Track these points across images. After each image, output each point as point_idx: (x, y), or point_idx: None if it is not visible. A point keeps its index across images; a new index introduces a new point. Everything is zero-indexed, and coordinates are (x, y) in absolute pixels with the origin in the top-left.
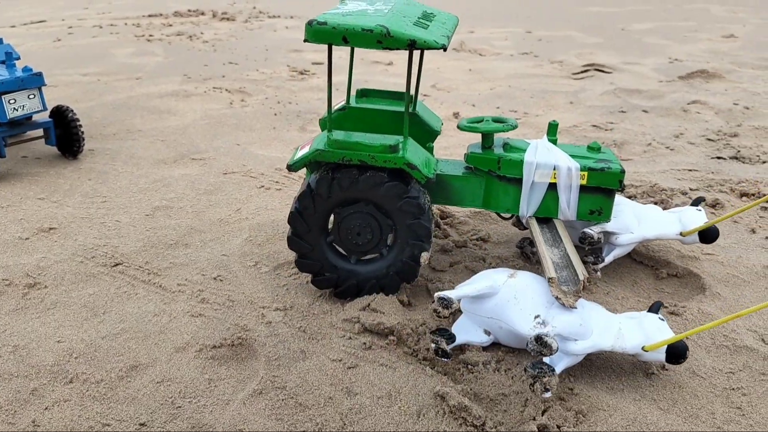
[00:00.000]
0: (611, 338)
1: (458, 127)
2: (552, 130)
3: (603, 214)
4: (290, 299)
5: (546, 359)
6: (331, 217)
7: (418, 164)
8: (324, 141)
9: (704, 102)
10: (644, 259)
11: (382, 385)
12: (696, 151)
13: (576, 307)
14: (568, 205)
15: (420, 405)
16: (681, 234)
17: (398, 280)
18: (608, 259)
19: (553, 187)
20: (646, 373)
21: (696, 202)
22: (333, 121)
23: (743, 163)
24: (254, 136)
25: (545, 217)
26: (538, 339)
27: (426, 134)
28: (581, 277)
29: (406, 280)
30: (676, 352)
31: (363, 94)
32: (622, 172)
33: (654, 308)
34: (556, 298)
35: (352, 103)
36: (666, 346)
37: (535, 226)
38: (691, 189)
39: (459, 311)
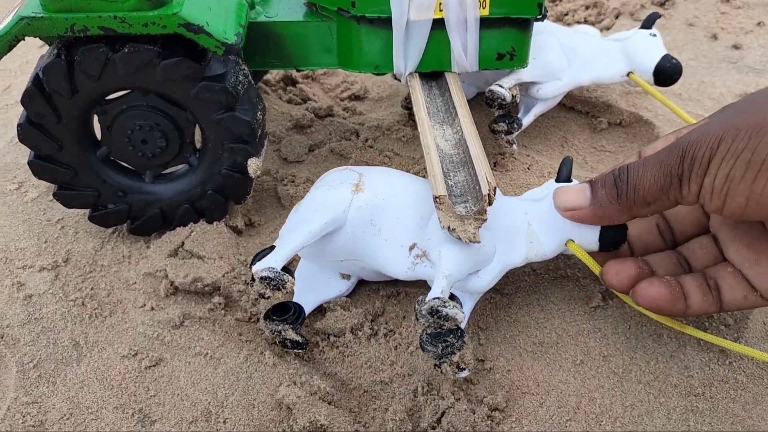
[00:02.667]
0: (523, 247)
1: None
2: None
3: (517, 56)
4: (67, 244)
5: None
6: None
7: (206, 22)
8: (36, 1)
9: None
10: (576, 104)
11: (196, 397)
12: None
13: (479, 241)
14: (464, 49)
15: (254, 426)
16: (628, 75)
17: (222, 200)
18: (527, 120)
19: (440, 25)
20: (588, 306)
21: (648, 22)
22: None
23: None
24: None
25: (433, 72)
26: (434, 312)
27: None
28: (485, 189)
29: (235, 200)
30: (614, 239)
31: None
32: None
33: (563, 174)
34: (449, 230)
35: None
36: (599, 230)
37: (417, 90)
38: None
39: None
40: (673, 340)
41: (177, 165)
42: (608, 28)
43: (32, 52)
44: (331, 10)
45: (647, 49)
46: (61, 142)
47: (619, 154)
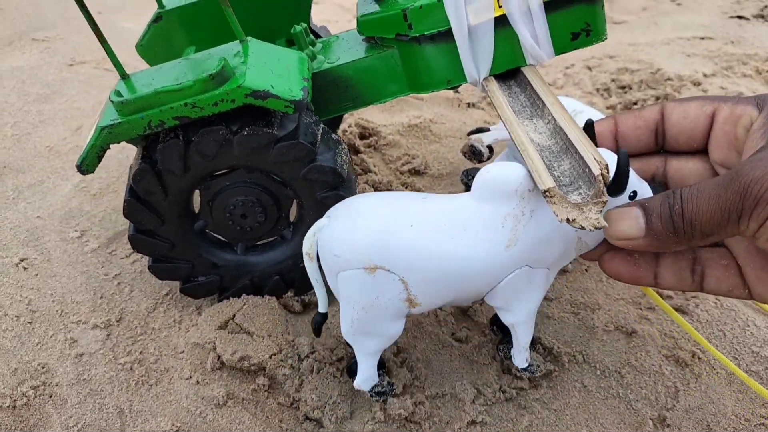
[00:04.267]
0: (572, 254)
1: None
2: None
3: (593, 30)
4: (121, 303)
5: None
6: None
7: (271, 85)
8: (110, 109)
9: None
10: None
11: None
12: (710, 5)
13: (606, 225)
14: (535, 39)
15: None
16: None
17: None
18: None
19: (503, 21)
20: None
21: None
22: (152, 43)
23: None
24: None
25: (509, 71)
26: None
27: (291, 8)
28: (596, 170)
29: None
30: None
31: None
32: None
33: (620, 184)
34: (569, 221)
35: (169, 2)
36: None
37: (497, 93)
38: (705, 75)
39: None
40: None
41: (270, 237)
42: None
43: (106, 93)
44: (390, 38)
45: None
46: (164, 217)
47: None
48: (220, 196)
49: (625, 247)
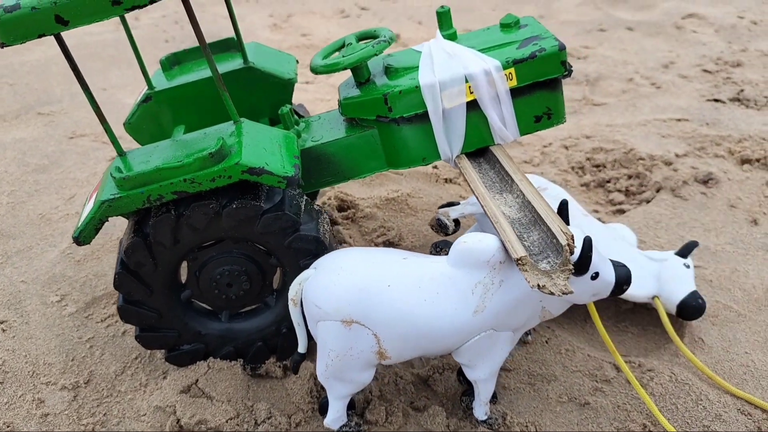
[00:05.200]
0: (536, 320)
1: (312, 70)
2: (444, 19)
3: (554, 114)
4: (91, 365)
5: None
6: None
7: (266, 162)
8: (110, 184)
9: (703, 16)
10: None
11: None
12: (689, 89)
13: (572, 291)
14: (503, 122)
15: None
16: (653, 298)
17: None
18: None
19: (474, 105)
20: None
21: (686, 250)
22: (140, 122)
23: (747, 107)
24: (130, 75)
25: (478, 149)
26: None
27: (275, 91)
28: (563, 240)
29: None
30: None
31: (174, 61)
32: (562, 49)
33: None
34: (539, 287)
35: (159, 83)
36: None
37: (469, 169)
38: (677, 155)
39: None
40: None
41: (253, 305)
42: (648, 201)
43: (102, 165)
44: (371, 120)
45: (679, 280)
46: (152, 288)
47: (642, 336)
48: (207, 266)
49: None
